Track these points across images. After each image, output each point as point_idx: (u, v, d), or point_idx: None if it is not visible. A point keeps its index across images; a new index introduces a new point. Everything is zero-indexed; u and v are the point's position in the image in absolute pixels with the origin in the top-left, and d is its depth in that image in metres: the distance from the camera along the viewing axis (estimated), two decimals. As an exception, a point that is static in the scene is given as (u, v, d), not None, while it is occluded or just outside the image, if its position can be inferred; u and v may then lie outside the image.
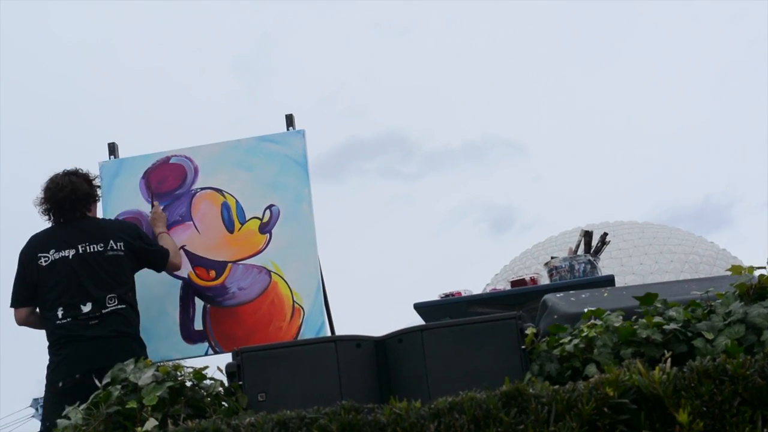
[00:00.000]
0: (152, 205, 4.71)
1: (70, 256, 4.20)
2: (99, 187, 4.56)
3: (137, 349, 4.09)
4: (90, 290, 4.14)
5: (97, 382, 3.20)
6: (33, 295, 4.23)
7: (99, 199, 4.55)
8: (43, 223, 4.40)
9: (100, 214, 4.65)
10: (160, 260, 4.42)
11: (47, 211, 4.37)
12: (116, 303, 4.14)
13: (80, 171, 4.47)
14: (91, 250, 4.22)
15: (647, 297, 3.18)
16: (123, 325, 4.14)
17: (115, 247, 4.24)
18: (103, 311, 4.11)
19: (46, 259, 4.22)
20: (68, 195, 4.32)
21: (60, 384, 4.02)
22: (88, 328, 4.08)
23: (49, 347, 4.16)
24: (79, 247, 4.22)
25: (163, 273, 4.60)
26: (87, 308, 4.11)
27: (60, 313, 4.11)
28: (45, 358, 4.19)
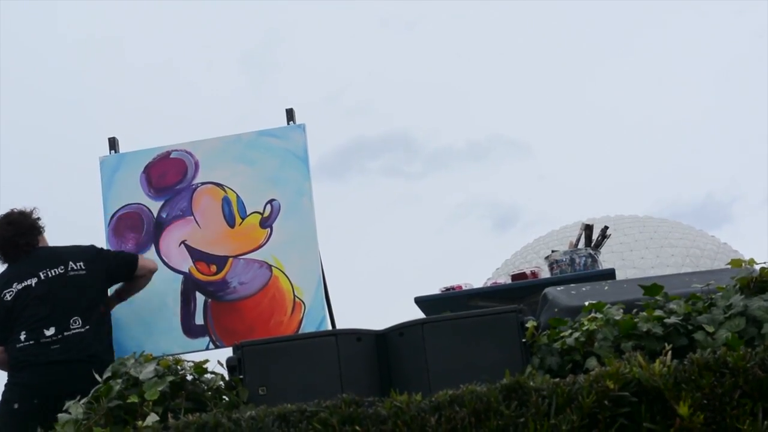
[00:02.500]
0: None
1: (33, 284, 4.16)
2: (39, 218, 4.46)
3: (99, 371, 4.03)
4: (53, 313, 4.08)
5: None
6: (3, 336, 4.16)
7: (43, 230, 4.45)
8: None
9: (100, 210, 4.67)
10: (129, 266, 4.36)
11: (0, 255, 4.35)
12: (80, 325, 4.08)
13: (14, 210, 4.42)
14: (53, 274, 4.18)
15: (653, 287, 3.18)
16: (87, 349, 4.05)
17: (75, 267, 4.20)
18: (65, 333, 4.05)
19: (11, 293, 4.17)
20: (14, 234, 4.30)
21: (15, 405, 3.97)
22: (49, 352, 4.01)
23: (9, 369, 4.11)
24: (41, 274, 4.18)
25: (164, 268, 4.60)
26: (50, 332, 4.05)
27: (23, 336, 4.06)
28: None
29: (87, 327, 4.10)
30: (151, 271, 4.47)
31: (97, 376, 3.32)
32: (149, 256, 4.67)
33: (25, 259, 4.29)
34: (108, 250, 4.44)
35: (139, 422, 2.83)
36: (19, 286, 4.18)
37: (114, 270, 4.34)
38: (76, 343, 4.05)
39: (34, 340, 4.05)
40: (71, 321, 4.09)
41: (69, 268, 4.21)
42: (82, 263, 4.23)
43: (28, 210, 4.44)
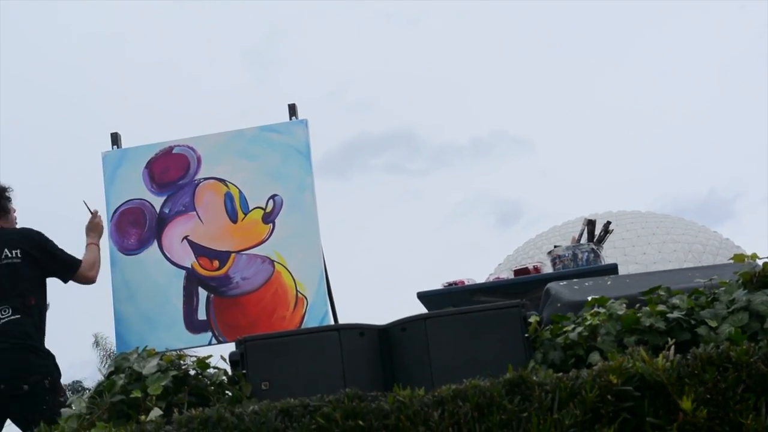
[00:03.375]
0: (92, 214, 4.64)
1: None
2: (8, 199, 4.47)
3: (33, 359, 4.04)
4: None
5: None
6: None
7: (8, 210, 4.45)
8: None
9: (102, 205, 4.67)
10: (64, 271, 4.36)
11: None
12: (10, 313, 4.08)
13: None
14: None
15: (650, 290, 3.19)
16: (18, 336, 4.05)
17: (9, 255, 4.19)
18: None
19: None
20: None
21: None
22: None
23: None
24: None
25: (167, 263, 4.61)
26: None
27: None
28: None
29: (17, 316, 4.09)
30: (89, 282, 4.44)
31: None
32: (152, 252, 4.68)
33: None
34: (54, 248, 4.35)
35: (142, 417, 2.83)
36: None
37: (50, 269, 4.33)
38: (7, 331, 4.05)
39: None
40: (1, 309, 4.08)
41: (3, 256, 4.19)
42: (18, 251, 4.22)
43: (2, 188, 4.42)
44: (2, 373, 3.96)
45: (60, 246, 4.40)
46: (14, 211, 4.51)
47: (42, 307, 4.26)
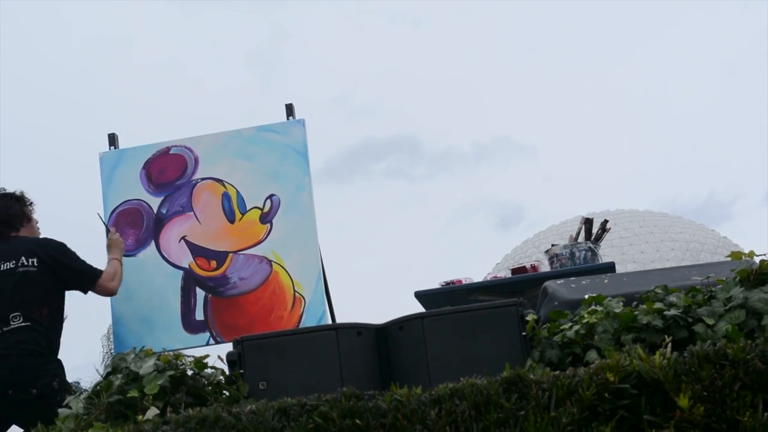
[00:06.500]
0: (108, 230, 4.63)
1: None
2: (31, 205, 4.49)
3: (39, 364, 4.01)
4: None
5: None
6: None
7: (31, 220, 4.46)
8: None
9: (99, 206, 4.67)
10: (83, 281, 4.31)
11: None
12: (20, 321, 4.06)
13: (15, 193, 4.44)
14: (4, 268, 4.16)
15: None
16: (26, 342, 4.03)
17: (26, 263, 4.17)
18: (5, 329, 4.04)
19: None
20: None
21: None
22: None
23: None
24: None
25: (164, 264, 4.61)
26: None
27: None
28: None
29: (28, 323, 4.07)
30: (109, 293, 4.42)
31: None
32: (149, 252, 4.69)
33: None
34: (73, 258, 4.32)
35: (140, 417, 2.83)
36: None
37: (68, 280, 4.29)
38: (16, 338, 4.03)
39: None
40: (11, 317, 4.07)
41: (20, 264, 4.17)
42: (35, 260, 4.19)
43: (23, 195, 4.45)
44: (9, 378, 3.94)
45: (81, 257, 4.36)
46: (37, 222, 4.50)
47: (56, 317, 4.21)
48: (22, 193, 4.46)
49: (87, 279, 4.31)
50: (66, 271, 4.25)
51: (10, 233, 4.34)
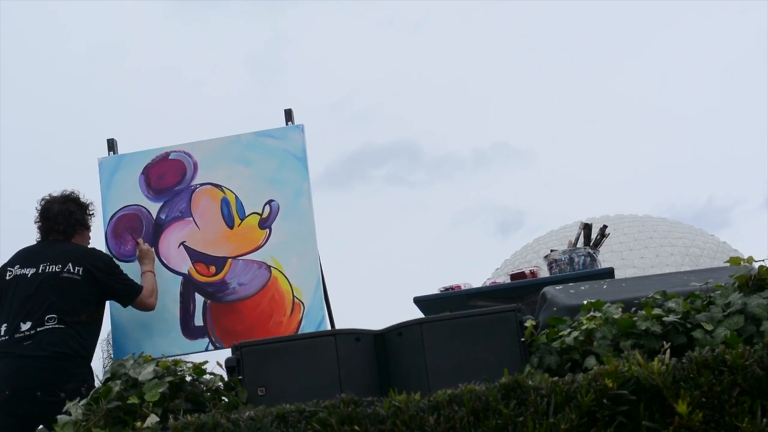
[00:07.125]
0: (137, 243, 4.65)
1: (29, 275, 4.19)
2: (92, 215, 4.54)
3: (69, 367, 4.02)
4: (32, 309, 4.10)
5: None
6: None
7: (89, 228, 4.51)
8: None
9: (99, 214, 4.66)
10: (124, 295, 4.35)
11: (38, 228, 4.41)
12: (55, 323, 4.07)
13: (79, 199, 4.48)
14: (49, 270, 4.19)
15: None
16: (58, 344, 4.04)
17: (72, 270, 4.19)
18: (38, 329, 4.05)
19: (10, 273, 4.23)
20: (55, 217, 4.35)
21: None
22: (21, 347, 4.03)
23: None
24: (40, 266, 4.20)
25: (163, 269, 4.60)
26: (26, 326, 4.06)
27: (2, 330, 4.10)
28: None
29: (62, 326, 4.09)
30: (147, 309, 4.45)
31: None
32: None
33: (45, 245, 4.34)
34: (117, 272, 4.36)
35: (138, 423, 2.83)
36: (19, 272, 4.22)
37: (110, 291, 4.34)
38: (49, 339, 4.05)
39: (10, 334, 4.07)
40: (47, 318, 4.08)
41: (65, 269, 4.20)
42: (81, 269, 4.22)
43: (87, 203, 4.51)
44: (38, 380, 3.95)
45: (124, 272, 4.41)
46: (90, 231, 4.53)
47: (93, 325, 4.24)
48: (87, 200, 4.51)
49: (129, 293, 4.36)
50: (109, 284, 4.30)
51: (68, 238, 4.38)
